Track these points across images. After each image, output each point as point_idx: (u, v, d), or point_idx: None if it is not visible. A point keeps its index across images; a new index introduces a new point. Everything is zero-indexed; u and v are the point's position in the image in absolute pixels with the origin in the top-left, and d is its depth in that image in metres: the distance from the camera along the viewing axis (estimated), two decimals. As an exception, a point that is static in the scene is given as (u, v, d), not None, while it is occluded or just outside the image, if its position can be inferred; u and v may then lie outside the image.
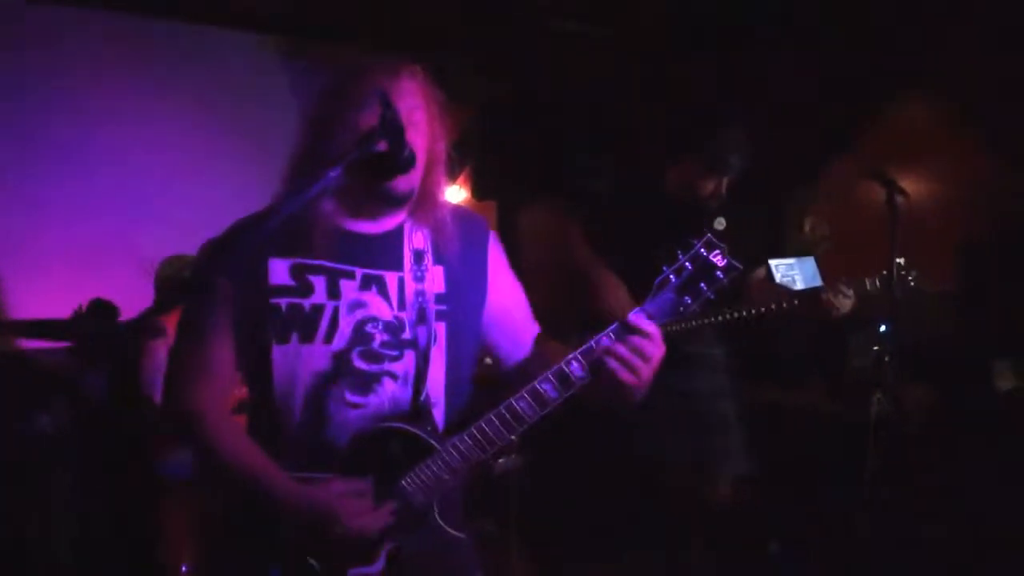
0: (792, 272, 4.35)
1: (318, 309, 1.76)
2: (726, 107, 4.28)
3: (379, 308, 1.80)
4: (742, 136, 3.13)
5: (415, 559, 1.76)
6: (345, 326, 1.77)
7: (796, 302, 3.24)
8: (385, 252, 1.83)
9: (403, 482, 1.74)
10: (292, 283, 1.77)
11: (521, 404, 1.71)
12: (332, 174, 1.56)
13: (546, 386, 1.70)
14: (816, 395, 4.81)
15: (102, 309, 4.29)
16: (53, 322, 3.65)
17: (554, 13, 5.29)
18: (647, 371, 1.68)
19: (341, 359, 1.76)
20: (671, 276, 1.67)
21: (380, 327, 1.79)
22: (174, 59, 5.55)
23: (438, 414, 1.83)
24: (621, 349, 1.66)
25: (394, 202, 1.82)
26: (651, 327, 1.67)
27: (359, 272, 1.80)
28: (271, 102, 5.33)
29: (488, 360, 2.11)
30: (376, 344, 1.78)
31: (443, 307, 1.84)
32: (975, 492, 4.12)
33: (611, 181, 3.41)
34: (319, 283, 1.78)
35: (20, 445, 3.71)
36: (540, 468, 3.86)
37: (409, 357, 1.79)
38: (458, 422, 1.77)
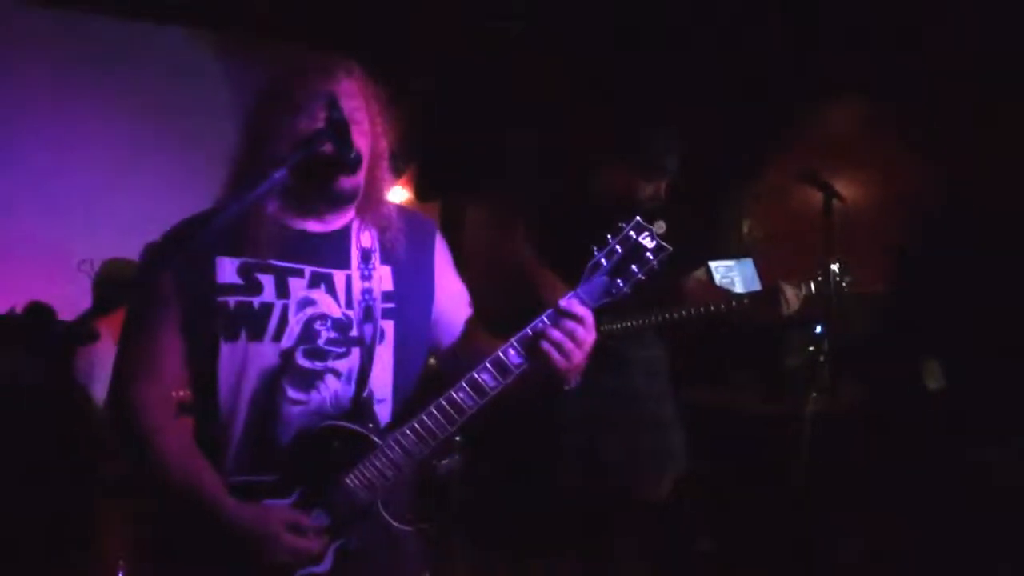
0: (732, 274, 4.44)
1: (267, 307, 1.76)
2: (660, 110, 4.34)
3: (328, 306, 1.80)
4: (676, 139, 3.18)
5: (363, 555, 1.76)
6: (295, 324, 1.77)
7: (746, 301, 3.28)
8: (333, 251, 1.83)
9: (346, 479, 1.74)
10: (240, 281, 1.77)
11: (460, 395, 1.71)
12: (277, 175, 1.56)
13: (484, 375, 1.71)
14: (753, 395, 4.89)
15: (38, 311, 4.21)
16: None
17: (496, 14, 5.31)
18: (579, 355, 1.70)
19: (287, 357, 1.76)
20: (602, 260, 1.69)
21: (328, 324, 1.79)
22: (105, 55, 5.44)
23: (385, 411, 1.84)
24: (554, 333, 1.68)
25: (339, 202, 1.82)
26: (583, 311, 1.69)
27: (308, 270, 1.80)
28: (204, 99, 5.27)
29: (432, 361, 2.13)
30: (322, 341, 1.78)
31: (390, 305, 1.84)
32: (905, 487, 4.24)
33: (552, 183, 3.44)
34: (268, 281, 1.78)
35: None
36: (480, 469, 3.88)
37: (355, 355, 1.80)
38: (406, 419, 1.78)
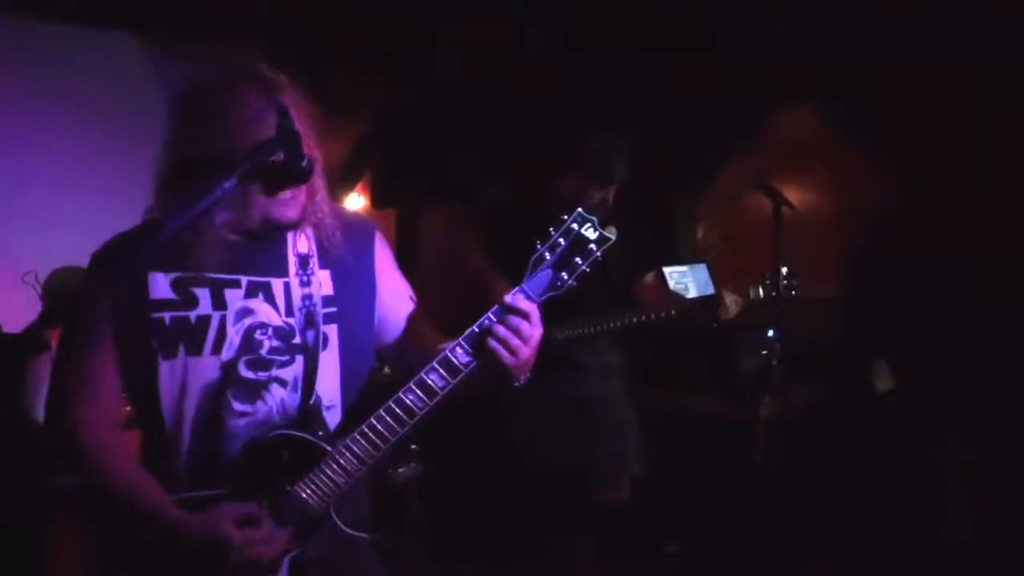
0: (685, 279, 4.47)
1: (204, 320, 1.73)
2: (611, 114, 4.36)
3: (267, 314, 1.77)
4: (625, 145, 3.21)
5: (319, 564, 1.74)
6: (234, 335, 1.74)
7: (687, 308, 3.33)
8: (270, 259, 1.80)
9: (297, 488, 1.72)
10: (174, 297, 1.73)
11: (410, 397, 1.69)
12: (227, 185, 1.54)
13: (433, 376, 1.69)
14: (708, 398, 4.94)
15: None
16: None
17: (447, 19, 5.31)
18: (527, 351, 1.69)
19: (229, 369, 1.73)
20: (545, 253, 1.68)
21: (269, 333, 1.76)
22: (49, 61, 5.34)
23: (334, 417, 1.82)
24: (500, 330, 1.66)
25: (281, 229, 1.79)
26: (528, 306, 1.67)
27: (244, 280, 1.77)
28: (150, 106, 5.18)
29: (387, 370, 2.11)
30: (264, 351, 1.75)
31: (332, 310, 1.82)
32: (857, 485, 4.31)
33: (503, 190, 3.45)
34: (203, 295, 1.74)
35: None
36: (435, 476, 3.87)
37: (299, 362, 1.77)
38: (356, 424, 1.76)
